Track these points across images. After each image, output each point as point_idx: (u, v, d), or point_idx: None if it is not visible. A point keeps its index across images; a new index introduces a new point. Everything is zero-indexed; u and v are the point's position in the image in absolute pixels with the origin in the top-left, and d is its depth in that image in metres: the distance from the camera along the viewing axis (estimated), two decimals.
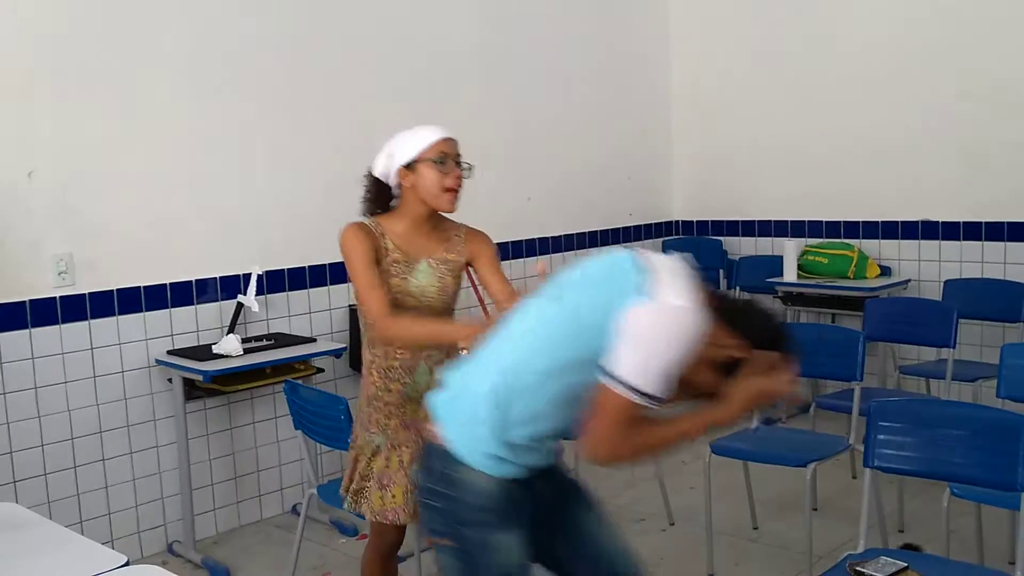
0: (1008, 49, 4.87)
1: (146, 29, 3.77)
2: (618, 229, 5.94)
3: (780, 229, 5.88)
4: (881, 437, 2.64)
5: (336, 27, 4.40)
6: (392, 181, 2.58)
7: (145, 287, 3.82)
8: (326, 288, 4.43)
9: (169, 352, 3.85)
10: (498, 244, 5.02)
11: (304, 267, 4.34)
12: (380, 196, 2.62)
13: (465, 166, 2.55)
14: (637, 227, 6.14)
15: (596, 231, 5.79)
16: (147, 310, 3.83)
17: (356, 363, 4.44)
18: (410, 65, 4.70)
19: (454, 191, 2.53)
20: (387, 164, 2.56)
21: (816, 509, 3.96)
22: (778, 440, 3.78)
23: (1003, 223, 4.98)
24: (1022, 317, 4.64)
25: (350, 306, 4.49)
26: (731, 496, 4.04)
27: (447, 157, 2.52)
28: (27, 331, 3.52)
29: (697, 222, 6.33)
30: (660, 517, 4.07)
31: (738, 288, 5.94)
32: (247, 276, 4.05)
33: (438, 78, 4.83)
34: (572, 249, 5.62)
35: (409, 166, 2.52)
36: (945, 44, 5.07)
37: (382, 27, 4.58)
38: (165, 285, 3.88)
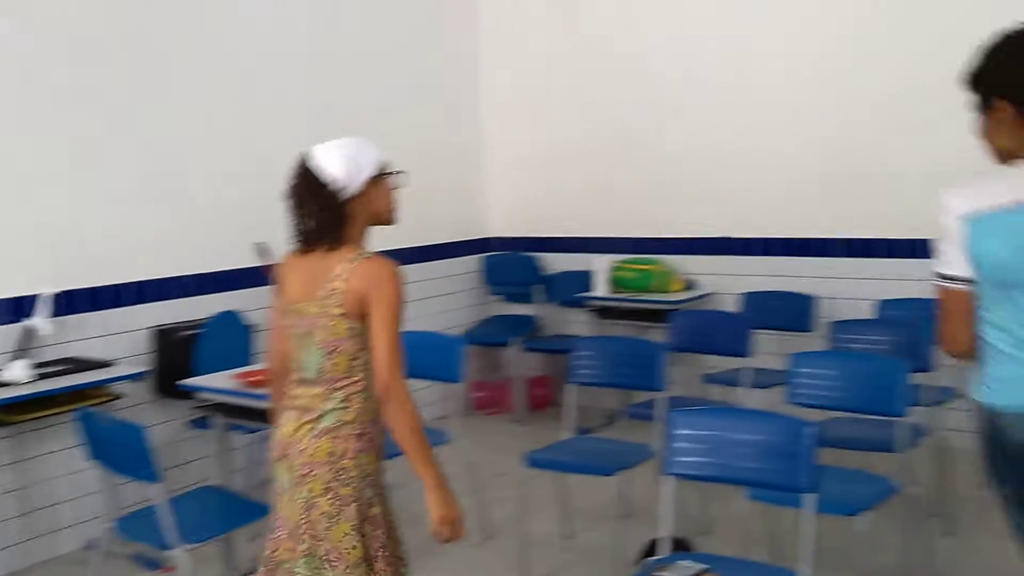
0: (802, 73, 5.25)
1: None
2: (434, 246, 5.96)
3: (592, 245, 6.08)
4: (678, 445, 2.76)
5: (136, 29, 4.22)
6: (348, 195, 2.30)
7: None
8: (128, 309, 4.21)
9: None
10: None
11: (102, 287, 4.11)
12: (340, 215, 2.30)
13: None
14: (455, 244, 6.19)
15: (409, 247, 5.78)
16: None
17: (162, 388, 4.26)
18: (218, 74, 4.55)
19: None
20: (348, 175, 2.29)
21: (628, 516, 4.10)
22: (590, 450, 3.88)
23: (792, 239, 5.34)
24: (811, 326, 4.99)
25: (153, 328, 4.29)
26: (548, 507, 4.12)
27: (395, 170, 2.42)
28: None
29: (514, 239, 6.45)
30: (476, 531, 4.09)
31: (554, 302, 6.10)
32: (37, 297, 3.79)
33: (244, 85, 4.72)
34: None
35: (375, 177, 2.35)
36: (743, 71, 5.41)
37: (183, 33, 4.43)
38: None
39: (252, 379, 3.47)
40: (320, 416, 2.30)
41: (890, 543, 3.62)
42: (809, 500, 2.64)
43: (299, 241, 2.36)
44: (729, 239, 5.57)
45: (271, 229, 4.78)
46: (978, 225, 2.00)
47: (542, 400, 6.13)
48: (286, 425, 2.35)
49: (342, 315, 2.27)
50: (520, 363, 5.86)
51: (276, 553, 2.36)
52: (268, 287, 4.70)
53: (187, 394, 3.79)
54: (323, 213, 2.29)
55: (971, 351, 2.11)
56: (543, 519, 4.10)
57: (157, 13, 4.31)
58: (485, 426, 5.78)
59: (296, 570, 2.29)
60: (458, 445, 3.95)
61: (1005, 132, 2.05)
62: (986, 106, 2.07)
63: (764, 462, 2.69)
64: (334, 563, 2.26)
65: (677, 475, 2.78)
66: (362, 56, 5.43)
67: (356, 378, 2.31)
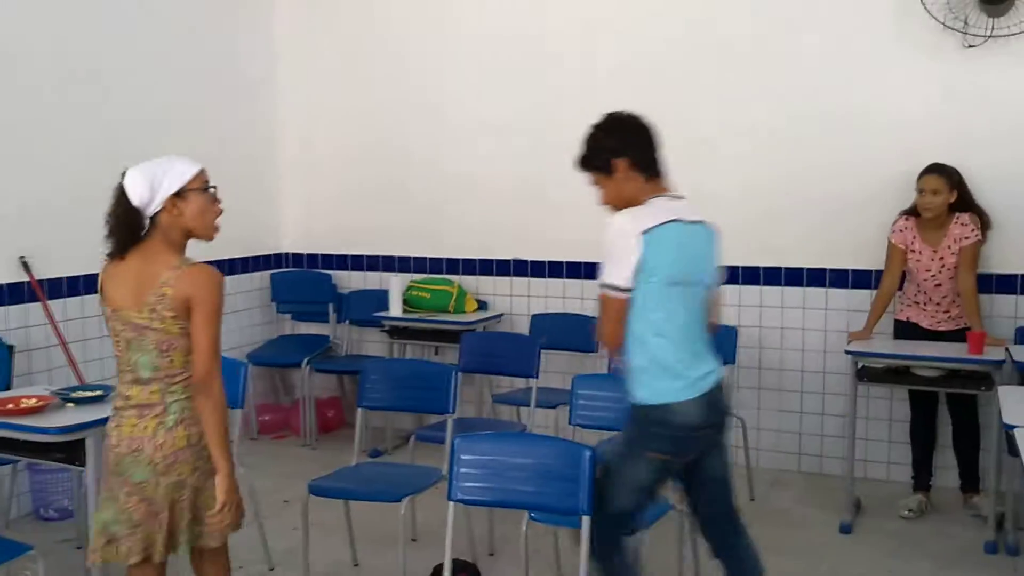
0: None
1: None
2: (219, 261, 5.72)
3: (387, 264, 6.04)
4: (463, 471, 2.79)
5: None
6: (152, 210, 2.56)
7: None
8: None
9: None
10: (86, 276, 4.64)
11: None
12: (136, 228, 2.57)
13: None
14: (244, 259, 5.97)
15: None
16: None
17: None
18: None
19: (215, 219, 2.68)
20: (150, 193, 2.54)
21: (415, 540, 4.08)
22: (377, 475, 3.84)
23: (579, 262, 5.51)
24: (595, 347, 5.16)
25: None
26: (335, 534, 4.03)
27: (210, 187, 2.65)
28: None
29: (307, 255, 6.31)
30: (259, 562, 3.95)
31: (348, 321, 6.00)
32: None
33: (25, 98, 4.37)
34: None
35: (179, 194, 2.57)
36: (533, 102, 5.55)
37: None
38: None
39: (7, 408, 3.19)
40: (165, 409, 2.58)
41: (663, 557, 3.78)
42: (587, 522, 2.71)
43: (108, 252, 2.62)
44: (522, 261, 5.69)
45: (38, 242, 4.48)
46: (651, 238, 2.64)
47: (333, 422, 6.01)
48: (127, 423, 2.59)
49: (174, 317, 2.54)
50: (310, 384, 5.72)
51: (152, 547, 2.60)
52: (32, 304, 4.42)
53: None
54: (122, 226, 2.58)
55: (621, 345, 2.75)
56: (329, 547, 4.01)
57: None
58: (272, 451, 5.60)
59: (181, 542, 2.62)
60: (240, 471, 3.78)
61: (629, 184, 2.77)
62: (607, 171, 2.78)
63: (545, 486, 2.75)
64: (209, 524, 2.63)
65: (461, 501, 2.79)
66: (147, 59, 5.15)
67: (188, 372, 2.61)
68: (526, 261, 5.68)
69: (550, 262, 5.61)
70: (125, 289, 2.57)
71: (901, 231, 4.51)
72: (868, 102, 4.86)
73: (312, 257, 6.30)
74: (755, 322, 5.18)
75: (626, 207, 2.75)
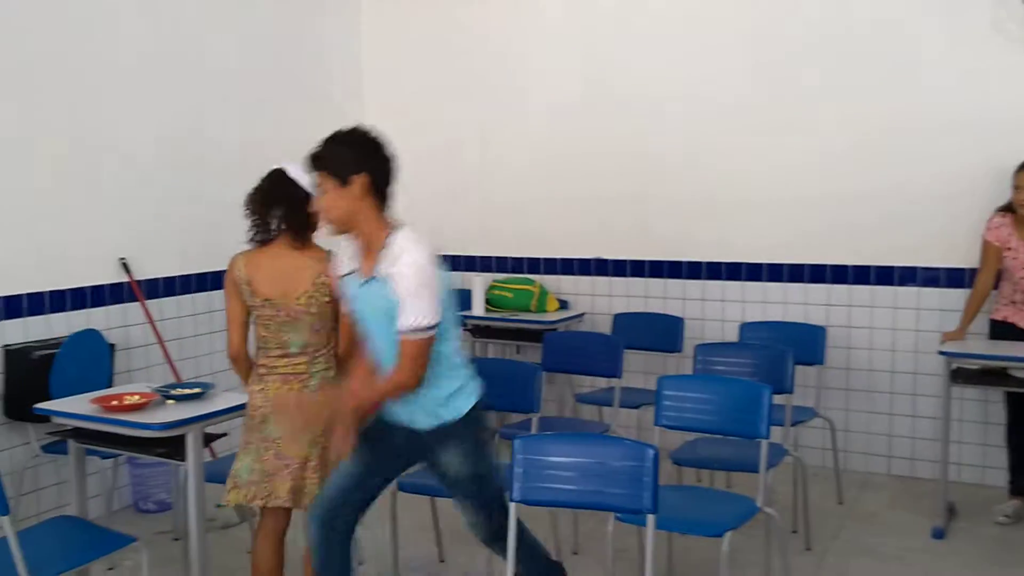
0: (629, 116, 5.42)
1: None
2: None
3: (469, 264, 6.09)
4: (519, 470, 2.79)
5: None
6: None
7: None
8: None
9: None
10: (182, 276, 4.80)
11: None
12: (311, 217, 3.00)
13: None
14: None
15: None
16: None
17: (14, 411, 4.04)
18: (87, 94, 4.37)
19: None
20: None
21: None
22: None
23: (662, 261, 5.49)
24: (679, 347, 5.13)
25: (4, 347, 4.06)
26: (420, 531, 4.09)
27: None
28: None
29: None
30: None
31: None
32: None
33: (104, 104, 4.54)
34: None
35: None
36: (613, 97, 5.54)
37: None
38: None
39: (112, 404, 3.32)
40: (309, 377, 3.07)
41: (754, 560, 3.74)
42: (652, 521, 2.70)
43: (261, 241, 3.05)
44: (603, 260, 5.68)
45: (135, 244, 4.65)
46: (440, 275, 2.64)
47: None
48: (271, 388, 3.06)
49: (328, 302, 3.03)
50: None
51: (297, 485, 3.05)
52: (131, 304, 4.59)
53: (42, 417, 3.60)
54: (298, 217, 2.98)
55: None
56: (416, 543, 4.08)
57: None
58: None
59: (307, 495, 3.04)
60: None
61: (360, 204, 2.64)
62: (344, 182, 2.61)
63: (609, 485, 2.73)
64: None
65: (523, 501, 2.79)
66: (233, 76, 5.30)
67: (332, 344, 3.12)
68: (607, 260, 5.67)
69: (632, 261, 5.60)
70: (279, 280, 3.02)
71: (997, 228, 4.37)
72: (962, 99, 4.73)
73: None
74: (844, 322, 5.08)
75: (341, 227, 2.67)
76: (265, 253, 3.07)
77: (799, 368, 4.29)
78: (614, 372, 4.51)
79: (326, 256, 3.03)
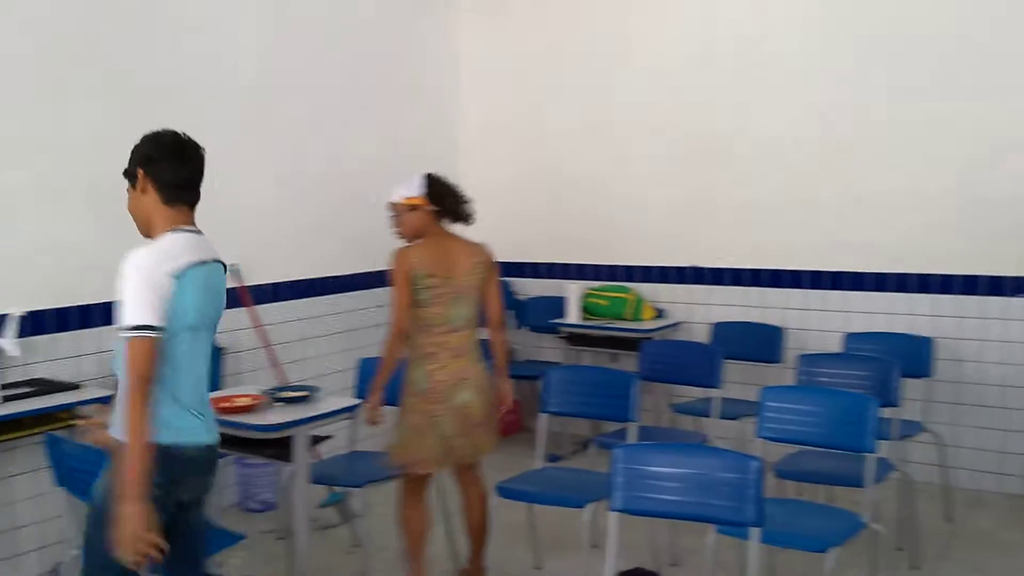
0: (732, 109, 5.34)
1: None
2: None
3: (564, 272, 6.11)
4: (619, 480, 2.77)
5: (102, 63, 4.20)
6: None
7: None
8: (96, 330, 4.16)
9: None
10: (287, 282, 4.93)
11: (72, 307, 4.07)
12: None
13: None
14: None
15: (378, 271, 5.75)
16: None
17: None
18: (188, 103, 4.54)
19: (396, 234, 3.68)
20: None
21: (596, 546, 4.10)
22: (561, 480, 3.89)
23: (761, 270, 5.41)
24: (780, 358, 5.05)
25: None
26: (516, 537, 4.11)
27: None
28: None
29: (489, 266, 6.44)
30: (446, 559, 4.08)
31: (525, 327, 6.11)
32: (4, 317, 3.74)
33: (217, 116, 4.71)
34: (363, 289, 5.60)
35: None
36: (710, 92, 5.49)
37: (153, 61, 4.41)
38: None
39: (223, 405, 3.44)
40: (471, 350, 3.59)
41: None
42: (756, 534, 2.67)
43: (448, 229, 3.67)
44: (699, 268, 5.63)
45: (245, 251, 4.81)
46: (182, 281, 2.39)
47: (512, 426, 6.12)
48: (450, 361, 3.53)
49: (483, 279, 3.61)
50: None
51: (480, 450, 3.63)
52: (241, 308, 4.74)
53: None
54: (451, 211, 3.63)
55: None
56: (512, 549, 4.10)
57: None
58: None
59: (484, 451, 3.64)
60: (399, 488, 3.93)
61: (144, 200, 2.52)
62: (132, 181, 2.53)
63: (712, 497, 2.70)
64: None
65: (624, 511, 2.78)
66: (338, 91, 5.44)
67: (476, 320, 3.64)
68: (704, 269, 5.61)
69: (730, 269, 5.53)
70: (446, 262, 3.54)
71: None
72: None
73: None
74: (952, 333, 4.92)
75: (143, 228, 2.55)
76: (426, 244, 3.57)
77: (905, 381, 4.17)
78: (713, 382, 4.46)
79: (478, 244, 3.65)
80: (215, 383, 4.32)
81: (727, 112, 5.45)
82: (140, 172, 2.53)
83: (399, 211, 3.64)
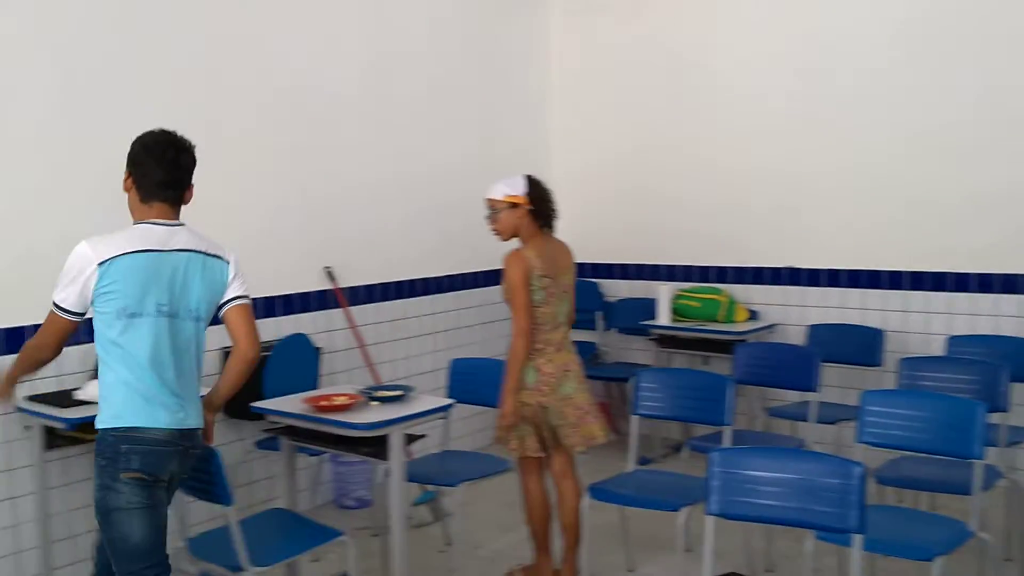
0: (860, 106, 5.20)
1: None
2: (494, 271, 5.97)
3: (654, 273, 6.06)
4: (716, 483, 2.73)
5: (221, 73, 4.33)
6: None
7: (4, 329, 3.62)
8: None
9: (29, 398, 3.65)
10: (380, 284, 5.01)
11: None
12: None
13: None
14: None
15: (472, 272, 5.82)
16: (5, 353, 3.62)
17: (230, 409, 4.32)
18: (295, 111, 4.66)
19: (492, 231, 3.80)
20: None
21: (690, 550, 4.06)
22: (654, 483, 3.86)
23: (860, 271, 5.27)
24: (879, 361, 4.91)
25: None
26: (608, 539, 4.09)
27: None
28: None
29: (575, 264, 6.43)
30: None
31: (614, 328, 6.07)
32: None
33: (313, 120, 4.82)
34: (455, 290, 5.65)
35: None
36: (815, 99, 5.37)
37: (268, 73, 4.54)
38: (23, 328, 3.67)
39: (321, 404, 3.52)
40: (569, 343, 3.81)
41: None
42: (858, 541, 2.60)
43: (544, 230, 3.78)
44: (795, 269, 5.51)
45: (339, 253, 4.90)
46: (111, 269, 2.57)
47: None
48: (555, 355, 3.72)
49: (574, 277, 3.87)
50: None
51: (593, 437, 3.77)
52: (336, 310, 4.84)
53: (252, 415, 3.86)
54: (553, 214, 3.79)
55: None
56: (604, 551, 4.09)
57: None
58: None
59: (596, 436, 3.78)
60: (517, 473, 3.95)
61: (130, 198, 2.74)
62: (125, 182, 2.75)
63: (812, 502, 2.64)
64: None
65: (720, 515, 2.74)
66: (432, 91, 5.51)
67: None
68: (800, 269, 5.50)
69: (827, 270, 5.40)
70: (554, 261, 3.70)
71: None
72: None
73: (579, 266, 6.41)
74: None
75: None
76: (534, 244, 3.70)
77: (1014, 385, 4.01)
78: (810, 386, 4.36)
79: (565, 243, 3.86)
80: (312, 382, 4.42)
81: (827, 111, 5.33)
82: (126, 172, 2.74)
83: (498, 208, 3.71)
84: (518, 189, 3.72)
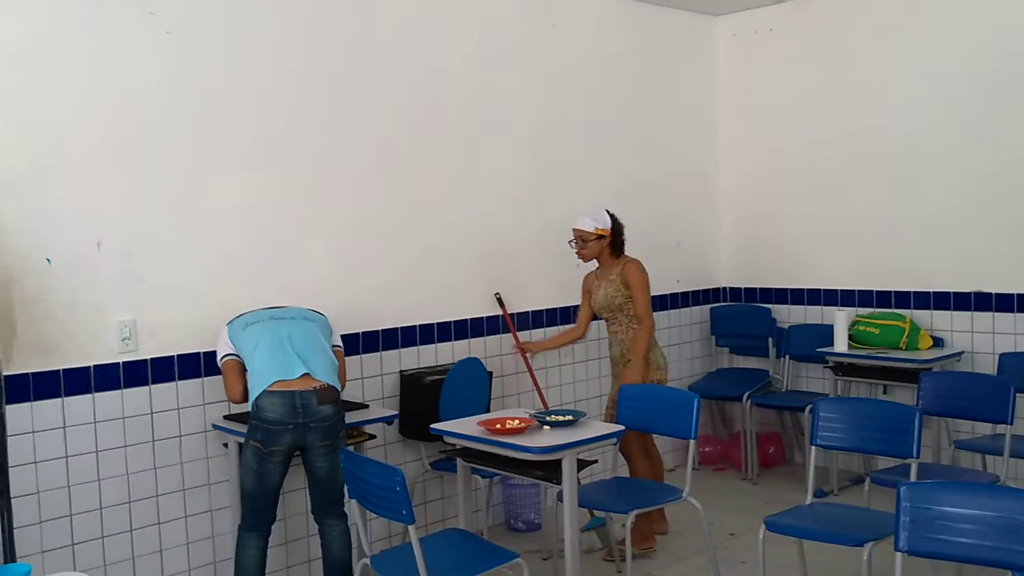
0: None
1: (208, 103, 3.91)
2: (665, 296, 5.95)
3: (829, 298, 5.86)
4: (905, 519, 2.62)
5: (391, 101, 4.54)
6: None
7: (204, 353, 3.90)
8: (378, 354, 4.48)
9: (225, 417, 3.91)
10: (549, 309, 5.07)
11: (358, 333, 4.40)
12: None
13: (573, 242, 4.61)
14: (684, 293, 6.16)
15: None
16: (205, 375, 3.90)
17: (407, 430, 4.48)
18: (467, 140, 4.82)
19: (578, 255, 4.62)
20: None
21: None
22: (834, 517, 3.72)
23: None
24: None
25: (401, 372, 4.54)
26: (782, 572, 3.98)
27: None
28: (91, 396, 3.60)
29: (745, 289, 6.33)
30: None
31: (787, 356, 5.91)
32: None
33: (496, 151, 4.97)
34: None
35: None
36: (991, 118, 5.09)
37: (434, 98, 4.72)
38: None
39: (496, 427, 3.60)
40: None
41: None
42: None
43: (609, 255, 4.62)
44: (984, 294, 5.21)
45: (506, 280, 5.01)
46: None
47: (774, 458, 5.94)
48: (614, 343, 4.66)
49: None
50: (751, 418, 5.71)
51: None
52: (504, 335, 4.94)
53: (428, 436, 3.98)
54: (623, 245, 4.66)
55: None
56: None
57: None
58: (713, 482, 5.65)
59: None
60: (689, 502, 3.90)
61: None
62: None
63: (1013, 542, 2.50)
64: None
65: (909, 552, 2.62)
66: (602, 121, 5.58)
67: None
68: (990, 294, 5.19)
69: (1020, 295, 5.07)
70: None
71: None
72: None
73: (751, 291, 6.31)
74: None
75: None
76: (611, 265, 4.62)
77: None
78: (1003, 418, 4.10)
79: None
80: (484, 405, 4.53)
81: (1012, 134, 5.03)
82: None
83: (588, 238, 4.51)
84: (605, 223, 4.53)
